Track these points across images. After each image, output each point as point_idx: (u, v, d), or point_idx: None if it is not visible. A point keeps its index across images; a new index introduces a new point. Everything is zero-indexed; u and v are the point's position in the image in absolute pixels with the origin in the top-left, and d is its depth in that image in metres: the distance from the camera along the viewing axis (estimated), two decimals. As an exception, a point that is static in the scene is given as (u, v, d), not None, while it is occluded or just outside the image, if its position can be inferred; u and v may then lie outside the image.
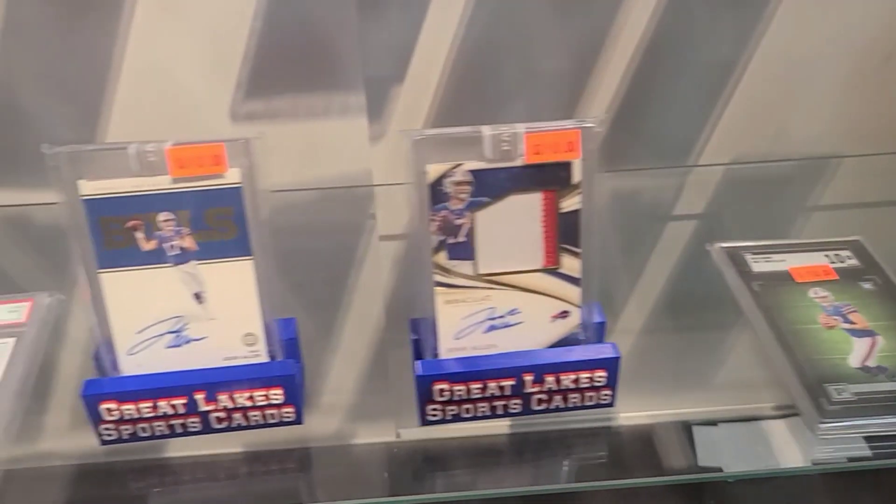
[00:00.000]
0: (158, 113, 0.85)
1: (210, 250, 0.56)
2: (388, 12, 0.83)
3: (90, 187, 0.54)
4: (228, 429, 0.59)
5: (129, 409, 0.57)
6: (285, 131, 0.87)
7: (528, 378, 0.58)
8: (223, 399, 0.57)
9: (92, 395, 0.56)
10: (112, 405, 0.57)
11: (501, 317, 0.59)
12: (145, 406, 0.57)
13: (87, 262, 0.56)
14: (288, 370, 0.58)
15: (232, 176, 0.54)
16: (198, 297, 0.57)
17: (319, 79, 0.84)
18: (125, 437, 0.58)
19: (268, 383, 0.58)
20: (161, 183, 0.54)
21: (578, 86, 0.89)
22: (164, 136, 0.86)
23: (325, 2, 0.80)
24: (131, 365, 0.58)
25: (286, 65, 0.83)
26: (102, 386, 0.57)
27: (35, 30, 0.79)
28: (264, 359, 0.59)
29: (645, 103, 0.91)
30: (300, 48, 0.82)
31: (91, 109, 0.84)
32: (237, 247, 0.56)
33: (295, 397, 0.59)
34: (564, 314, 0.59)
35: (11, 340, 0.67)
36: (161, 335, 0.58)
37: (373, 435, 0.64)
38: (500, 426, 0.65)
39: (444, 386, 0.57)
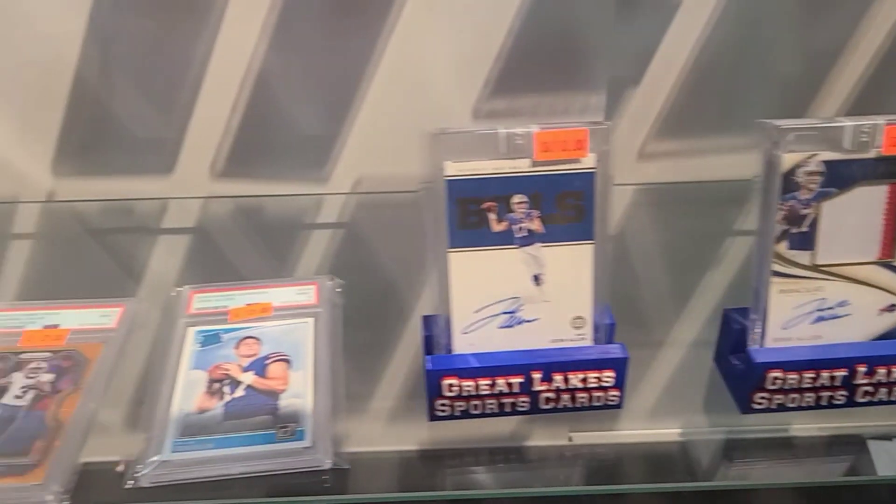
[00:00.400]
0: (403, 108, 0.88)
1: (555, 233, 0.58)
2: (639, 14, 0.84)
3: (455, 168, 0.56)
4: (554, 410, 0.61)
5: (468, 385, 0.59)
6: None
7: (861, 369, 0.58)
8: (558, 380, 0.59)
9: (436, 371, 0.58)
10: (454, 381, 0.58)
11: (830, 308, 0.59)
12: (484, 383, 0.59)
13: (438, 241, 0.58)
14: (622, 353, 0.59)
15: (589, 161, 0.56)
16: (536, 279, 0.59)
17: (565, 79, 0.86)
18: (457, 413, 0.60)
19: (602, 366, 0.59)
20: (521, 166, 0.56)
21: (811, 91, 0.90)
22: (402, 132, 0.90)
23: (586, 3, 0.82)
24: (463, 343, 0.60)
25: (536, 64, 0.85)
26: (446, 362, 0.59)
27: (305, 25, 0.82)
28: (589, 342, 0.61)
29: (875, 109, 0.91)
30: (553, 48, 0.84)
31: (343, 103, 0.87)
32: (581, 231, 0.58)
33: (622, 381, 0.60)
34: (893, 307, 0.59)
35: (311, 320, 0.70)
36: (496, 315, 0.60)
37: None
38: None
39: (778, 374, 0.58)
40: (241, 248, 0.88)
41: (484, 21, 0.82)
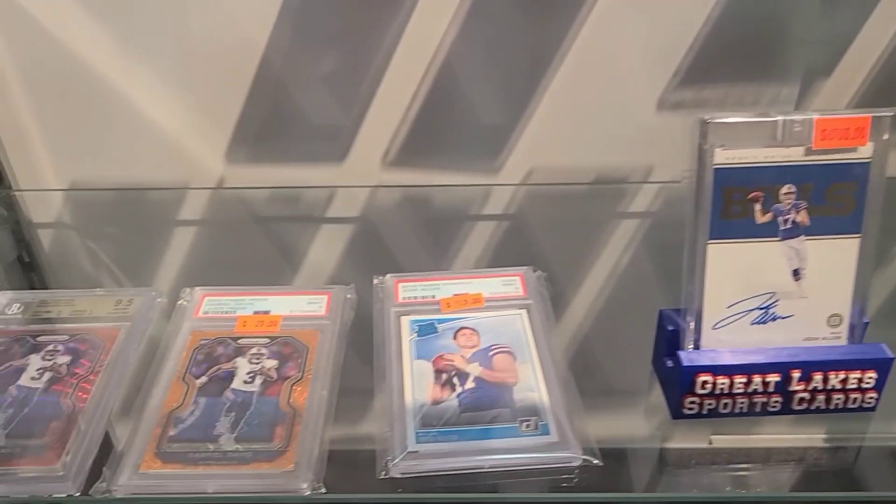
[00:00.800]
0: (584, 98, 0.86)
1: (821, 226, 0.55)
2: (841, 4, 0.81)
3: (724, 156, 0.54)
4: (806, 411, 0.58)
5: (723, 383, 0.56)
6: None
7: None
8: (816, 380, 0.56)
9: (691, 367, 0.56)
10: (708, 378, 0.56)
11: None
12: (739, 381, 0.56)
13: (699, 231, 0.55)
14: (888, 354, 0.56)
15: (865, 151, 0.54)
16: (796, 273, 0.56)
17: (759, 69, 0.83)
18: (705, 411, 0.58)
19: (865, 366, 0.56)
20: (794, 154, 0.54)
21: None
22: (580, 122, 0.88)
23: (794, -9, 0.79)
24: (713, 339, 0.58)
25: (730, 53, 0.82)
26: (700, 358, 0.57)
27: (496, 13, 0.81)
28: (843, 342, 0.58)
29: None
30: (750, 37, 0.81)
31: (525, 92, 0.86)
32: (848, 224, 0.55)
33: (883, 383, 0.57)
34: None
35: (523, 311, 0.68)
36: (749, 311, 0.57)
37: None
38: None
39: None
40: (407, 238, 0.87)
41: (682, 9, 0.80)
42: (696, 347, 0.58)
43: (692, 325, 0.58)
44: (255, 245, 0.88)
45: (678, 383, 0.57)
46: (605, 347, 0.69)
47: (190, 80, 0.85)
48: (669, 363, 0.58)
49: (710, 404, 0.57)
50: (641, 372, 0.65)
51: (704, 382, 0.56)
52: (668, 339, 0.59)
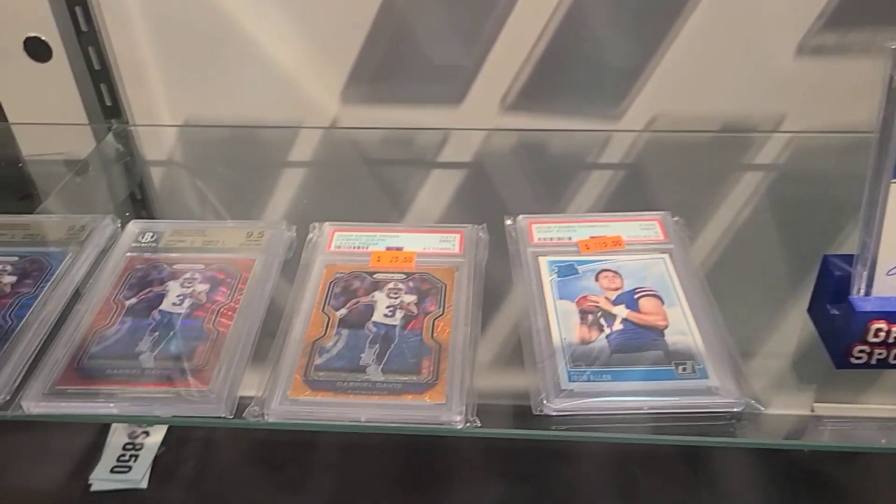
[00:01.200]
0: (719, 42, 0.82)
1: None
2: None
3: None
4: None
5: (897, 331, 0.53)
6: (848, 67, 0.82)
7: None
8: None
9: (864, 314, 0.53)
10: (882, 325, 0.53)
11: None
12: (918, 331, 0.53)
13: (883, 170, 0.52)
14: None
15: None
16: (981, 218, 0.53)
17: (911, 12, 0.79)
18: (873, 361, 0.55)
19: None
20: None
21: None
22: (712, 68, 0.84)
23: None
24: (885, 286, 0.55)
25: (881, -6, 0.78)
26: (875, 304, 0.54)
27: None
28: None
29: None
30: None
31: (655, 35, 0.82)
32: None
33: None
34: None
35: (665, 256, 0.66)
36: (928, 257, 0.54)
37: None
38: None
39: None
40: (522, 184, 0.84)
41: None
42: (867, 294, 0.55)
43: (864, 271, 0.54)
44: (366, 186, 0.87)
45: (847, 331, 0.54)
46: (747, 294, 0.66)
47: (311, 17, 0.84)
48: (835, 311, 0.56)
49: (880, 354, 0.54)
50: (792, 319, 0.62)
51: (878, 330, 0.53)
52: (834, 286, 0.56)
